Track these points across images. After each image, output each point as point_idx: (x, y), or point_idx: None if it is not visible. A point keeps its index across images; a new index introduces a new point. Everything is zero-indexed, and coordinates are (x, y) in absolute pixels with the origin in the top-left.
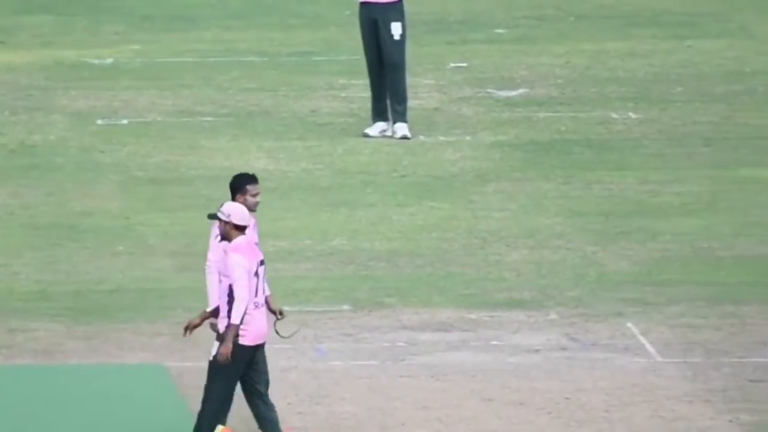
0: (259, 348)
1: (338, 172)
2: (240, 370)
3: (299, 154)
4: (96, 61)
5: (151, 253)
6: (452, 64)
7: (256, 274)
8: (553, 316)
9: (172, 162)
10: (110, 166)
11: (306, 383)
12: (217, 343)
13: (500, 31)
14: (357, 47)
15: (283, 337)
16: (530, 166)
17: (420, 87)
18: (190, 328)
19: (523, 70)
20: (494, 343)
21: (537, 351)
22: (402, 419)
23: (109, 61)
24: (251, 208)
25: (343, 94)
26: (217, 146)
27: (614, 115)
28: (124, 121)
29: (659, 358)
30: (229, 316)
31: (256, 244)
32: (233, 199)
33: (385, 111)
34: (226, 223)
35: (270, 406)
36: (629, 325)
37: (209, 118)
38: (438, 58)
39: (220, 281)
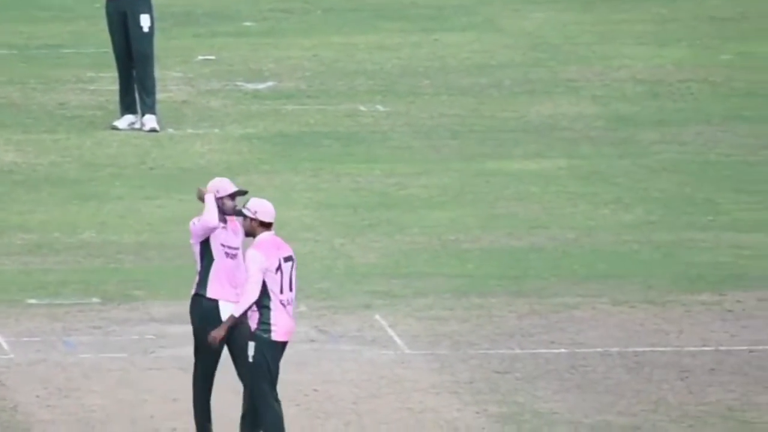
0: (285, 345)
1: (87, 165)
2: (275, 366)
3: (48, 146)
4: None
5: None
6: (200, 57)
7: (279, 270)
8: (302, 308)
9: None
10: None
11: (55, 376)
12: (252, 344)
13: (248, 23)
14: (105, 40)
15: None
16: (279, 159)
17: (168, 80)
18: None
19: (272, 62)
20: None
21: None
22: (151, 412)
23: None
24: (227, 213)
25: (92, 87)
26: None
27: (362, 108)
28: None
29: (407, 350)
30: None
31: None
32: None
33: (134, 103)
34: (252, 219)
35: (278, 403)
36: (377, 317)
37: None
38: (186, 51)
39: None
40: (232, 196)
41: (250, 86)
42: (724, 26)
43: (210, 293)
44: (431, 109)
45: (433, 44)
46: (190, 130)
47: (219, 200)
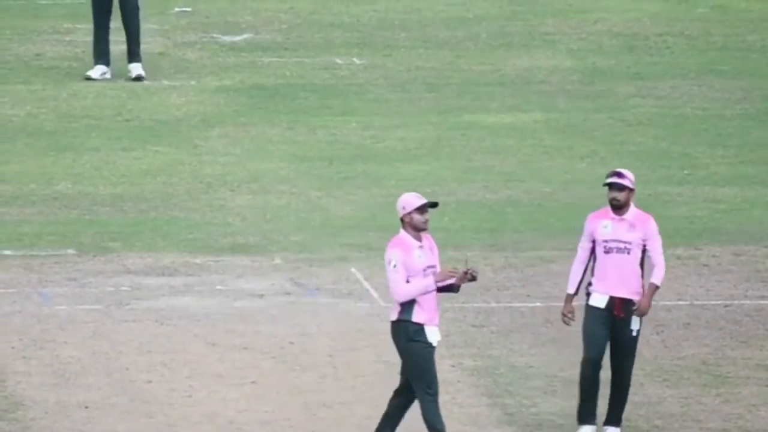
0: None
1: (63, 116)
2: None
3: (24, 97)
4: None
5: None
6: (177, 9)
7: None
8: (277, 260)
9: None
10: None
11: (30, 327)
12: (638, 319)
13: None
14: None
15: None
16: (255, 111)
17: (145, 31)
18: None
19: (248, 15)
20: (219, 287)
21: (261, 296)
22: (126, 364)
23: None
24: (419, 227)
25: (68, 38)
26: None
27: (339, 61)
28: None
29: (383, 303)
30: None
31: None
32: (401, 220)
33: (107, 54)
34: (631, 190)
35: None
36: (353, 269)
37: None
38: (162, 3)
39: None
40: (421, 210)
41: (227, 38)
42: None
43: (415, 318)
44: (408, 62)
45: None
46: (166, 82)
47: (407, 216)
